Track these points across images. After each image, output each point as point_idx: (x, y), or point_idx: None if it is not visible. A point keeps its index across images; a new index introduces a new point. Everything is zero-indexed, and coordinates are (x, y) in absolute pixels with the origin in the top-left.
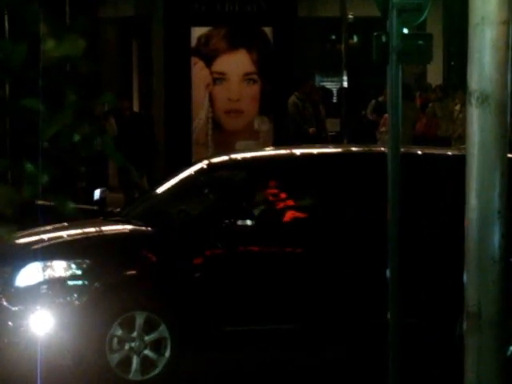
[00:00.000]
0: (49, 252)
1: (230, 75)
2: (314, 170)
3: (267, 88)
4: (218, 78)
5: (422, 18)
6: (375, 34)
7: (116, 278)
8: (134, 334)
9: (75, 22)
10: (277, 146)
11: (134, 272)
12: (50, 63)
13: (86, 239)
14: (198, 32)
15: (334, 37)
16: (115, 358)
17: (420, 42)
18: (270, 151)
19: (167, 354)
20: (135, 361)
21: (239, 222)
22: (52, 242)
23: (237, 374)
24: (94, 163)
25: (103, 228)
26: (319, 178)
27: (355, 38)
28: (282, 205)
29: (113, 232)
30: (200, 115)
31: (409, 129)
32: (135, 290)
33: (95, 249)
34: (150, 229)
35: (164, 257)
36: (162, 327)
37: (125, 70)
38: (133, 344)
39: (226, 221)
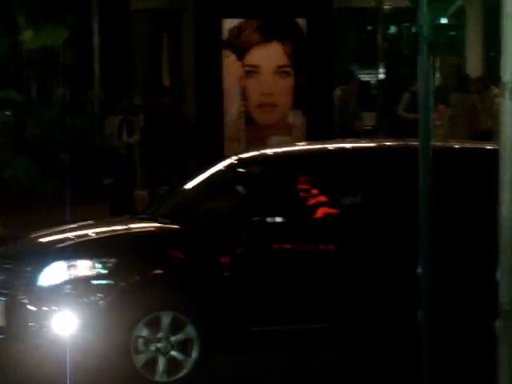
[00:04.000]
0: (73, 251)
1: (262, 68)
2: (345, 165)
3: (301, 81)
4: (251, 71)
5: (454, 8)
6: (405, 24)
7: (142, 277)
8: (160, 335)
9: (64, 17)
10: (310, 140)
11: (160, 271)
12: (30, 54)
13: (112, 238)
14: (229, 24)
15: (369, 28)
16: (141, 359)
17: (452, 33)
18: (300, 146)
19: (194, 354)
20: (161, 362)
21: (269, 220)
22: (76, 240)
23: (266, 375)
24: (120, 160)
25: (129, 226)
26: (351, 174)
27: (392, 29)
28: (312, 201)
29: (139, 230)
30: (232, 109)
31: (463, 121)
32: (161, 289)
33: (121, 247)
34: (176, 227)
35: (191, 255)
36: (189, 327)
37: (156, 64)
38: (159, 345)
39: (256, 218)
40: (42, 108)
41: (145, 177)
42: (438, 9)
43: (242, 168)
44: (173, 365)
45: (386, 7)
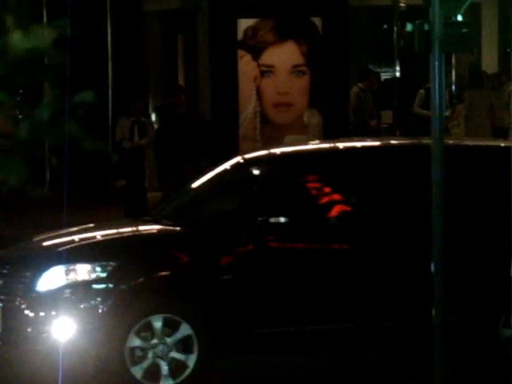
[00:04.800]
0: (72, 255)
1: (278, 68)
2: (351, 164)
3: (317, 80)
4: (266, 71)
5: (466, 5)
6: (417, 22)
7: (142, 280)
8: (158, 339)
9: (54, 21)
10: (326, 139)
11: (160, 274)
12: (19, 56)
13: (111, 241)
14: (244, 24)
15: (385, 26)
16: (139, 368)
17: (464, 30)
18: (308, 145)
19: (195, 352)
20: (163, 366)
21: (273, 220)
22: (75, 244)
23: (270, 376)
24: (133, 161)
25: (130, 229)
26: (358, 173)
27: (408, 27)
28: (317, 201)
29: (139, 233)
30: (247, 109)
31: (483, 118)
32: (160, 292)
33: (120, 251)
34: (178, 228)
35: (192, 257)
36: (189, 330)
37: (170, 65)
38: (157, 349)
39: (259, 219)
40: (31, 111)
41: (160, 177)
42: (450, 6)
43: (247, 168)
44: (176, 366)
45: (401, 5)
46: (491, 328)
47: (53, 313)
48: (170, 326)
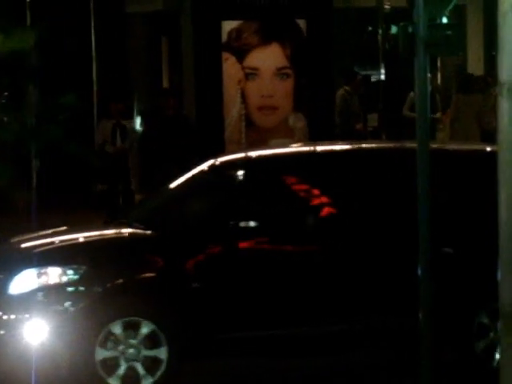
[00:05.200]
0: (44, 258)
1: (262, 70)
2: (325, 167)
3: (301, 83)
4: (251, 74)
5: (450, 7)
6: (401, 24)
7: (110, 284)
8: (124, 343)
9: (36, 25)
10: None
11: (129, 278)
12: (1, 58)
13: (82, 244)
14: (228, 26)
15: (370, 28)
16: (117, 377)
17: (448, 32)
18: (282, 149)
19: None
20: (138, 367)
21: (244, 224)
22: (47, 247)
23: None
24: (117, 165)
25: (102, 232)
26: (326, 176)
27: (393, 29)
28: (291, 205)
29: (110, 236)
30: (232, 112)
31: (471, 123)
32: (129, 296)
33: (91, 254)
34: (148, 232)
35: (161, 261)
36: (152, 326)
37: (154, 67)
38: (127, 353)
39: (231, 222)
40: (13, 114)
41: (144, 181)
42: (434, 8)
43: (219, 171)
44: (151, 364)
45: (386, 7)
46: (465, 333)
47: (25, 315)
48: (132, 328)
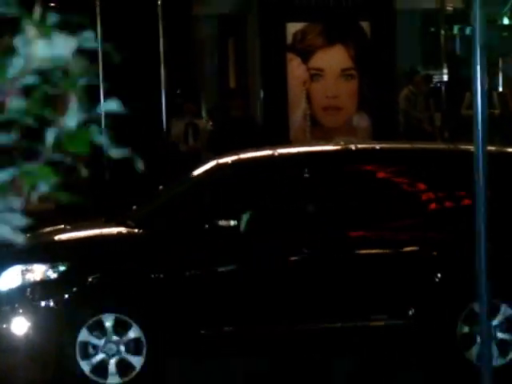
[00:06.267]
0: (30, 255)
1: (327, 71)
2: (314, 169)
3: (365, 83)
4: (315, 75)
5: (507, 8)
6: (459, 26)
7: (90, 282)
8: (108, 337)
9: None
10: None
11: (107, 276)
12: (43, 65)
13: (68, 242)
14: (293, 28)
15: (432, 29)
16: (89, 363)
17: (505, 34)
18: (279, 149)
19: (143, 356)
20: (112, 364)
21: (222, 224)
22: (34, 244)
23: (224, 378)
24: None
25: (93, 231)
26: (318, 178)
27: (454, 30)
28: (281, 207)
29: (97, 234)
30: (297, 112)
31: None
32: (107, 294)
33: (75, 252)
34: (137, 231)
35: (146, 259)
36: (139, 332)
37: (221, 68)
38: (107, 346)
39: (213, 222)
40: (58, 119)
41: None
42: (490, 9)
43: (216, 172)
44: (124, 366)
45: (448, 8)
46: (449, 326)
47: (11, 311)
48: (122, 326)
